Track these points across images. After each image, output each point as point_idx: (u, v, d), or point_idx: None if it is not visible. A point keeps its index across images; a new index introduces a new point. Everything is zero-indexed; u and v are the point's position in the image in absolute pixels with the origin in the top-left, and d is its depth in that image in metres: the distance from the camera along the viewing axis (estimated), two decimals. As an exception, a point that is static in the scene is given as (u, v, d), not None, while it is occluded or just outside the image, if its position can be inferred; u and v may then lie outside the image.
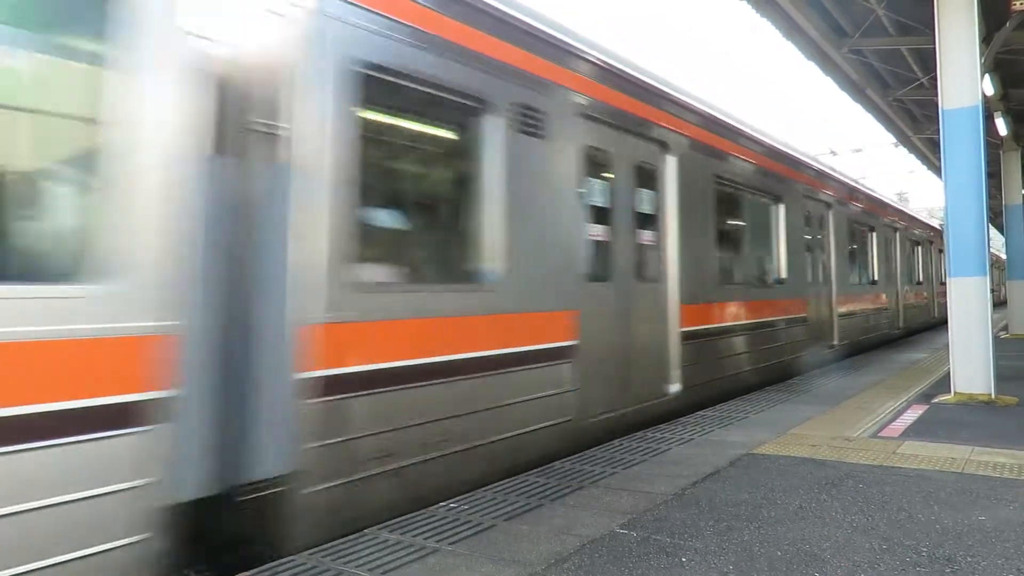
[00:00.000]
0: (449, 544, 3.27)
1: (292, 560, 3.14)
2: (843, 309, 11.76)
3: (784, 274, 9.48)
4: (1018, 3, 8.66)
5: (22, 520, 2.49)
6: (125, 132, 2.87)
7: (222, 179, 3.34)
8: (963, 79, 7.18)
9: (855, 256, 12.98)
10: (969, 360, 7.06)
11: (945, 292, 7.48)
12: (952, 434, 5.46)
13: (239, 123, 3.42)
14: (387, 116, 4.27)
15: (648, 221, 6.47)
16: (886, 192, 21.80)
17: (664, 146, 6.68)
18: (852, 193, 12.93)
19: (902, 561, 2.95)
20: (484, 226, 4.64)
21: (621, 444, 5.35)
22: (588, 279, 5.56)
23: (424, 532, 3.45)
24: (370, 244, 3.94)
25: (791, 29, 11.02)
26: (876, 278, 14.26)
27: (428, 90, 4.27)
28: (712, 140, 7.67)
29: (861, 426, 5.87)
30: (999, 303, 28.91)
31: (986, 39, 9.28)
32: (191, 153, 3.10)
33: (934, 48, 7.40)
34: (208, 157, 3.24)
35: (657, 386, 6.47)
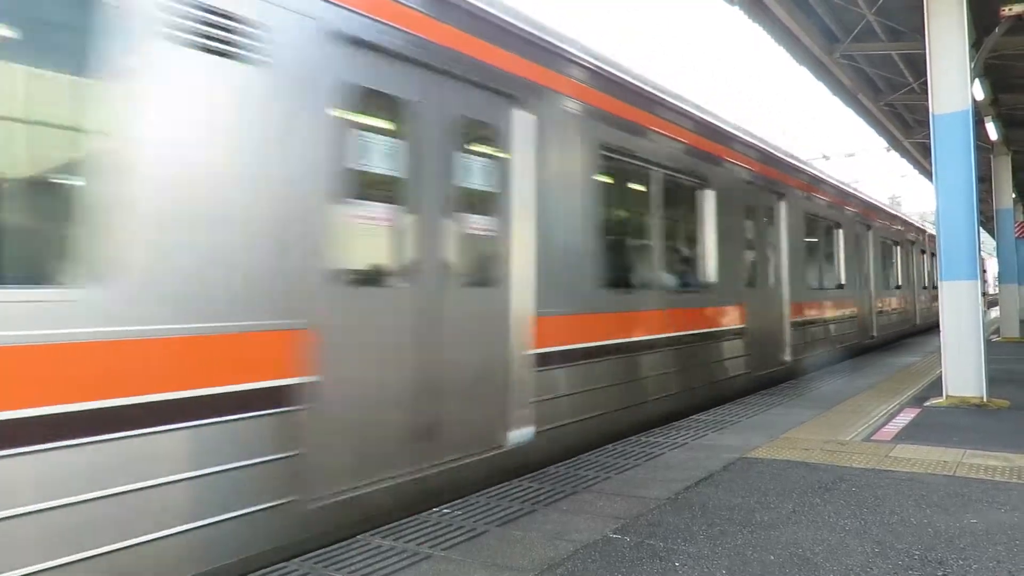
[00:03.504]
0: (442, 550, 3.26)
1: (284, 567, 3.12)
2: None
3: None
4: (1007, 9, 8.73)
5: None
6: None
7: None
8: (953, 84, 7.22)
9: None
10: (961, 363, 7.09)
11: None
12: (944, 437, 5.48)
13: None
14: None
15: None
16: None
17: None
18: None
19: (894, 564, 2.96)
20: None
21: (615, 449, 5.35)
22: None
23: (417, 538, 3.44)
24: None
25: (783, 35, 11.08)
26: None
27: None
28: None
29: (854, 430, 5.88)
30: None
31: (976, 44, 9.35)
32: None
33: (925, 53, 7.45)
34: None
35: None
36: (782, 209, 9.98)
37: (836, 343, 11.99)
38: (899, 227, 17.89)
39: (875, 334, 14.78)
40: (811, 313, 10.80)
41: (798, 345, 10.11)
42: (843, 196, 13.15)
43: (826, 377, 9.66)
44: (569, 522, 3.62)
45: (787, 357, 9.77)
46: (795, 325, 10.02)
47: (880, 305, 15.21)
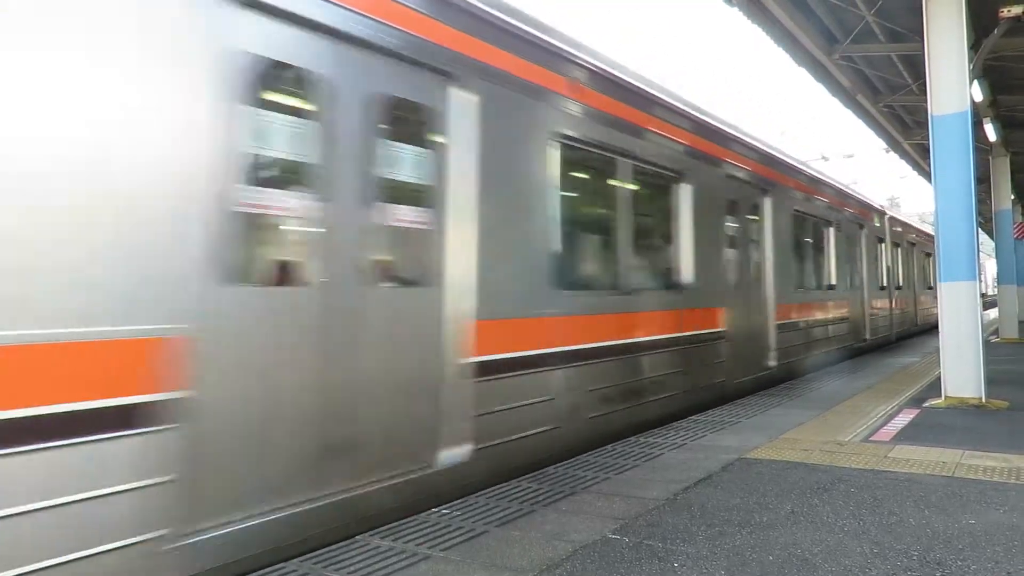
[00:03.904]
0: (441, 551, 3.26)
1: (283, 567, 3.12)
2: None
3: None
4: (1006, 10, 8.76)
5: None
6: None
7: None
8: (952, 85, 7.23)
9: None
10: (960, 364, 7.10)
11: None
12: (943, 438, 5.49)
13: None
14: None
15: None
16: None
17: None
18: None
19: (893, 565, 2.96)
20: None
21: (615, 449, 5.36)
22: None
23: (416, 538, 3.44)
24: None
25: (782, 36, 11.09)
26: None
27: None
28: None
29: (853, 430, 5.89)
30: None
31: (975, 45, 9.37)
32: None
33: (924, 55, 7.46)
34: None
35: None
36: (466, 120, 4.55)
37: (668, 391, 6.82)
38: (831, 200, 12.50)
39: (773, 363, 9.37)
40: (579, 341, 5.56)
41: (491, 418, 4.62)
42: (698, 132, 7.72)
43: (824, 378, 9.66)
44: (568, 523, 3.62)
45: (446, 454, 4.28)
46: (487, 383, 4.59)
47: (787, 315, 9.89)
